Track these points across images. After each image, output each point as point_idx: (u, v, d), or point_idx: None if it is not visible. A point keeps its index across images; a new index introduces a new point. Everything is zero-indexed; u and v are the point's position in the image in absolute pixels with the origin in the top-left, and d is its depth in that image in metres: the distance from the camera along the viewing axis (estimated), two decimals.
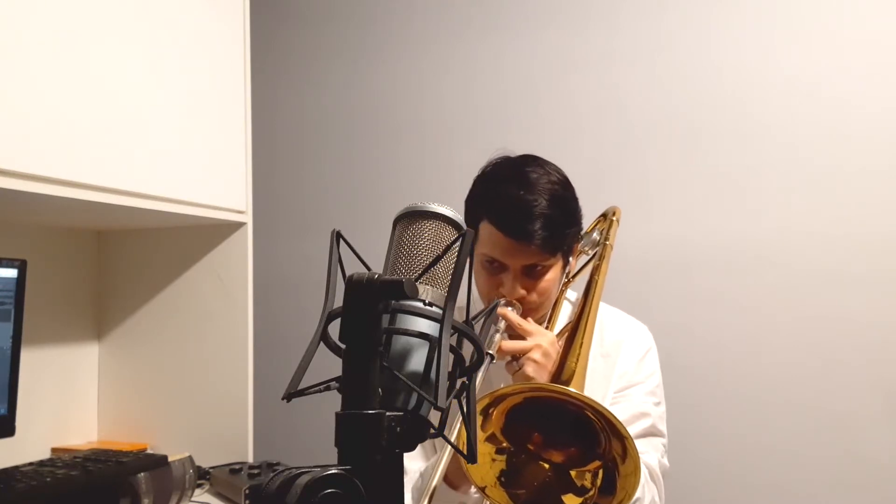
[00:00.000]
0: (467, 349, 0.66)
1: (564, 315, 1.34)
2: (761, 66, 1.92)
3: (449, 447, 0.95)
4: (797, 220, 1.86)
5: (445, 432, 0.59)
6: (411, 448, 0.59)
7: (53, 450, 1.68)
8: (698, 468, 1.88)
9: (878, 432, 1.78)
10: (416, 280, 0.63)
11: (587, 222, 1.41)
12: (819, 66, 1.87)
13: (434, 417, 0.60)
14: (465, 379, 0.65)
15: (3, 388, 1.38)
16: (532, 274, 1.22)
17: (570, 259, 1.31)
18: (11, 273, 1.39)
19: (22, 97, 1.21)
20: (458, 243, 0.64)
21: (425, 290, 0.63)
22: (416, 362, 0.61)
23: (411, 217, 0.66)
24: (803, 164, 1.87)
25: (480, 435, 1.02)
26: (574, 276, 1.38)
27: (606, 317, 1.34)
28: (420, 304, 0.62)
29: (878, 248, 1.80)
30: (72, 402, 1.79)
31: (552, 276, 1.24)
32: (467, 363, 0.66)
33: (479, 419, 0.99)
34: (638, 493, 1.13)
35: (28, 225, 1.69)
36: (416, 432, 0.59)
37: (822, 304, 1.83)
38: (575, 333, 1.13)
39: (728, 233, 1.92)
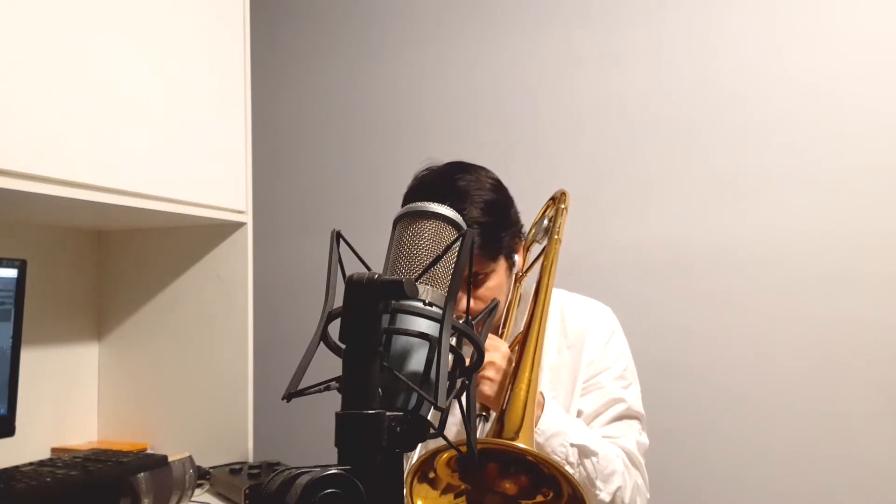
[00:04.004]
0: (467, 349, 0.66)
1: (522, 314, 1.31)
2: (761, 66, 1.92)
3: (415, 458, 0.94)
4: (797, 220, 1.86)
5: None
6: (411, 448, 0.59)
7: (53, 450, 1.68)
8: (697, 468, 1.88)
9: (879, 432, 1.78)
10: (416, 280, 0.63)
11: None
12: (819, 65, 1.87)
13: (434, 417, 0.60)
14: (465, 379, 0.65)
15: (3, 388, 1.38)
16: (474, 283, 1.21)
17: (516, 258, 1.30)
18: (11, 273, 1.39)
19: (22, 97, 1.21)
20: (458, 243, 0.64)
21: (425, 290, 0.63)
22: (416, 362, 0.61)
23: (411, 217, 0.66)
24: (803, 164, 1.87)
25: (434, 493, 1.00)
26: (527, 272, 1.36)
27: (567, 306, 1.33)
28: (420, 304, 0.62)
29: (878, 248, 1.79)
30: (72, 402, 1.79)
31: (495, 282, 1.23)
32: (467, 363, 0.66)
33: (424, 486, 0.98)
34: (619, 482, 1.13)
35: (28, 225, 1.69)
36: (416, 432, 0.59)
37: (822, 304, 1.83)
38: (524, 351, 1.11)
39: (728, 233, 1.92)
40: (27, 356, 1.46)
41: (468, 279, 0.66)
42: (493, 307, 0.71)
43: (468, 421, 0.63)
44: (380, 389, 0.57)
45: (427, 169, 1.29)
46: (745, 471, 1.88)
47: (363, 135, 2.35)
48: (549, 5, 2.14)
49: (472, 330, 0.65)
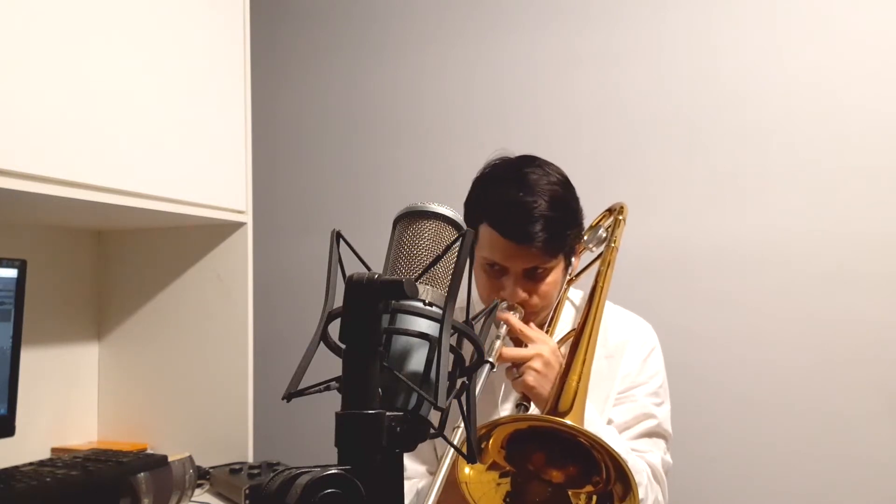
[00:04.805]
0: (467, 349, 0.66)
1: (566, 316, 1.33)
2: (761, 66, 1.92)
3: (449, 458, 0.95)
4: (797, 220, 1.86)
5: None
6: (411, 448, 0.59)
7: (53, 450, 1.68)
8: (698, 468, 1.88)
9: (879, 432, 1.78)
10: (416, 280, 0.62)
11: (590, 221, 1.40)
12: (819, 65, 1.87)
13: (434, 417, 0.60)
14: (465, 379, 0.65)
15: (3, 388, 1.38)
16: (533, 276, 1.21)
17: (573, 259, 1.30)
18: (11, 273, 1.39)
19: (21, 97, 1.21)
20: (458, 243, 0.64)
21: (425, 290, 0.63)
22: (416, 362, 0.61)
23: (411, 217, 0.66)
24: (804, 164, 1.87)
25: (481, 466, 1.02)
26: (578, 276, 1.37)
27: (610, 316, 1.33)
28: (420, 304, 0.62)
29: (878, 248, 1.79)
30: (72, 402, 1.79)
31: (553, 278, 1.23)
32: (467, 363, 0.66)
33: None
34: (641, 494, 1.13)
35: (28, 225, 1.68)
36: (416, 432, 0.59)
37: (822, 304, 1.83)
38: (577, 346, 1.12)
39: (729, 233, 1.92)
40: (27, 356, 1.45)
41: (469, 275, 0.66)
42: (494, 307, 0.71)
43: (468, 421, 0.63)
44: (380, 389, 0.57)
45: (499, 158, 1.29)
46: (745, 471, 1.88)
47: (363, 135, 2.35)
48: (549, 5, 2.14)
49: (472, 330, 0.65)
